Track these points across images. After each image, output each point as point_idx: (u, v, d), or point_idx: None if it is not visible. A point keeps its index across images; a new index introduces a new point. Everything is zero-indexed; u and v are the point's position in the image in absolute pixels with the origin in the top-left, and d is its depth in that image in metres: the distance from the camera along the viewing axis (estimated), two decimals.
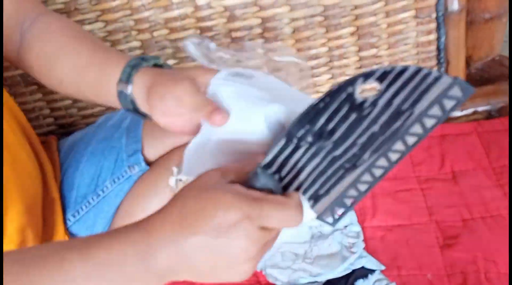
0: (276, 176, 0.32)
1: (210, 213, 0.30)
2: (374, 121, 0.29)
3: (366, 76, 0.28)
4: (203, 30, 0.75)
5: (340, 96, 0.29)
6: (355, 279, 0.58)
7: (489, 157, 0.72)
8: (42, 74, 0.53)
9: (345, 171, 0.31)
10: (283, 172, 0.32)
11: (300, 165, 0.32)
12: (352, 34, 0.76)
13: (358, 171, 0.30)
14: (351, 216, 0.67)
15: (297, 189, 0.32)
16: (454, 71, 0.79)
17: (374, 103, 0.28)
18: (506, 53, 0.87)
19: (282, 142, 0.32)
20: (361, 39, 0.76)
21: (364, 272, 0.59)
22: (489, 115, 0.81)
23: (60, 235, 0.59)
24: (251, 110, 0.38)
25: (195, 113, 0.41)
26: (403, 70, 0.27)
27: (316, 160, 0.31)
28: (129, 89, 0.45)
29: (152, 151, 0.62)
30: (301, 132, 0.31)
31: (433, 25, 0.75)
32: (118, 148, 0.63)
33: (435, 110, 0.28)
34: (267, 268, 0.63)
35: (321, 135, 0.31)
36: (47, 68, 0.51)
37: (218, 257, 0.30)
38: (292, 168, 0.32)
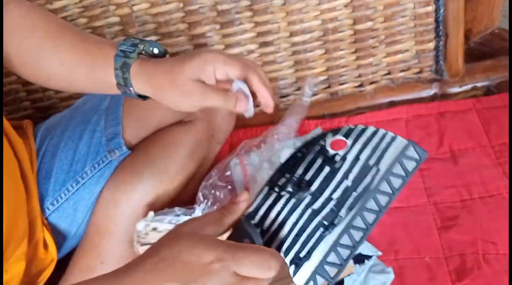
0: (258, 229, 0.33)
1: (184, 259, 0.29)
2: (345, 175, 0.32)
3: (334, 132, 0.33)
4: (186, 3, 0.70)
5: (314, 147, 0.33)
6: None
7: (488, 134, 0.69)
8: (25, 71, 0.50)
9: (324, 229, 0.32)
10: (265, 225, 0.33)
11: (281, 218, 0.33)
12: (346, 6, 0.71)
13: (337, 230, 0.31)
14: None
15: (278, 247, 0.33)
16: (453, 45, 0.75)
17: (344, 157, 0.32)
18: (505, 26, 0.84)
19: (265, 190, 0.34)
20: (356, 11, 0.72)
21: (360, 258, 0.57)
22: (488, 91, 0.78)
23: (38, 225, 0.56)
24: None
25: (204, 103, 0.44)
26: (364, 128, 0.33)
27: (296, 213, 0.33)
28: (132, 90, 0.47)
29: (134, 134, 0.58)
30: (282, 181, 0.33)
31: None
32: (96, 131, 0.59)
33: (398, 169, 0.31)
34: None
35: (299, 186, 0.33)
36: (31, 66, 0.49)
37: None
38: (273, 221, 0.33)
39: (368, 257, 0.57)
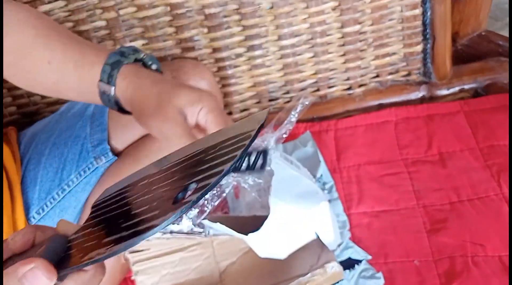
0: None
1: None
2: None
3: None
4: (173, 7, 0.69)
5: None
6: None
7: (476, 137, 0.70)
8: (11, 71, 0.47)
9: None
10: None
11: None
12: (334, 9, 0.71)
13: None
14: (338, 206, 0.64)
15: None
16: (441, 47, 0.75)
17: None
18: (492, 28, 0.84)
19: None
20: (344, 14, 0.72)
21: (350, 263, 0.56)
22: (476, 93, 0.79)
23: None
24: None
25: (183, 140, 0.40)
26: None
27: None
28: (112, 90, 0.43)
29: (120, 140, 0.58)
30: None
31: None
32: (82, 137, 0.58)
33: None
34: None
35: None
36: (18, 64, 0.47)
37: None
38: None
39: (358, 261, 0.57)
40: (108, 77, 0.43)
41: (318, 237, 0.49)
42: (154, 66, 0.46)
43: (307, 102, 0.51)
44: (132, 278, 0.51)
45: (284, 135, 0.53)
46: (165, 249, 0.49)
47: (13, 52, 0.46)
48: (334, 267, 0.44)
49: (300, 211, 0.48)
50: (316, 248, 0.48)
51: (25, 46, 0.46)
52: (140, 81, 0.42)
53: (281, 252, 0.42)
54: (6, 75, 0.48)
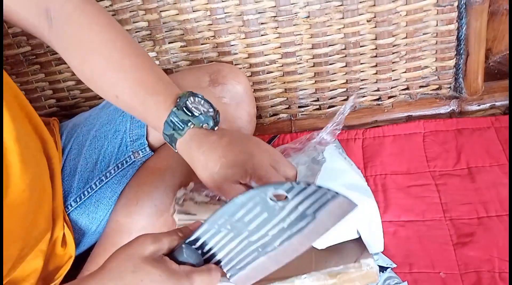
0: (199, 251, 0.38)
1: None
2: (283, 220, 0.35)
3: (276, 187, 0.35)
4: (213, 11, 0.72)
5: (254, 198, 0.35)
6: None
7: (506, 153, 0.70)
8: (73, 64, 0.51)
9: (258, 253, 0.37)
10: (205, 249, 0.38)
11: (220, 245, 0.37)
12: (369, 21, 0.73)
13: (269, 255, 0.37)
14: None
15: (217, 263, 0.38)
16: (474, 63, 0.76)
17: (282, 207, 0.35)
18: None
19: (204, 227, 0.37)
20: (379, 26, 0.73)
21: None
22: (506, 110, 0.79)
23: (59, 223, 0.57)
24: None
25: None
26: (306, 187, 0.34)
27: (235, 242, 0.37)
28: (174, 148, 0.47)
29: (157, 137, 0.60)
30: (221, 221, 0.36)
31: (454, 14, 0.72)
32: (122, 132, 0.60)
33: (332, 221, 0.35)
34: None
35: (237, 225, 0.36)
36: (89, 84, 0.50)
37: None
38: (213, 246, 0.37)
39: (383, 269, 0.57)
40: (170, 141, 0.46)
41: (360, 236, 0.48)
42: (205, 126, 0.46)
43: (358, 100, 0.53)
44: None
45: (338, 128, 0.54)
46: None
47: (85, 73, 0.50)
48: (370, 265, 0.44)
49: None
50: (356, 249, 0.48)
51: (94, 74, 0.49)
52: (194, 152, 0.45)
53: (319, 242, 0.41)
54: (68, 62, 0.51)
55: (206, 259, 0.38)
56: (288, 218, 0.35)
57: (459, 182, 0.67)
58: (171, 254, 0.37)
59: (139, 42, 0.75)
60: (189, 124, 0.45)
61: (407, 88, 0.80)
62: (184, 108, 0.45)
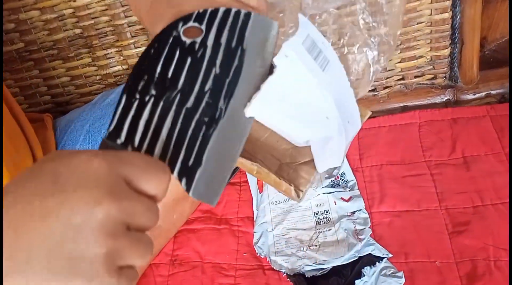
0: (129, 148, 0.27)
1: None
2: (211, 62, 0.29)
3: (185, 19, 0.29)
4: None
5: (167, 40, 0.29)
6: (362, 267, 0.56)
7: (501, 141, 0.69)
8: None
9: (206, 127, 0.29)
10: (135, 141, 0.27)
11: (152, 126, 0.27)
12: (362, 11, 0.72)
13: (222, 124, 0.29)
14: (359, 202, 0.65)
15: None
16: (469, 52, 0.75)
17: (203, 43, 0.29)
18: None
19: (123, 100, 0.28)
20: (371, 16, 0.72)
21: (371, 260, 0.57)
22: (502, 99, 0.78)
23: None
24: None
25: None
26: (214, 11, 0.30)
27: (170, 117, 0.28)
28: None
29: None
30: (141, 85, 0.28)
31: (448, 3, 0.72)
32: None
33: (261, 46, 0.30)
34: (271, 255, 0.61)
35: (164, 85, 0.28)
36: None
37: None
38: (144, 133, 0.27)
39: (379, 258, 0.58)
40: None
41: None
42: None
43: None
44: None
45: None
46: None
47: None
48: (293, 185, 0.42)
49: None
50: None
51: None
52: None
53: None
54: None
55: None
56: (216, 58, 0.29)
57: (454, 171, 0.67)
58: None
59: (132, 37, 0.75)
60: None
61: (403, 79, 0.80)
62: None
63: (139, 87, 0.28)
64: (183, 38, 0.29)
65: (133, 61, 0.77)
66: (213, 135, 0.29)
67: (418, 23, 0.74)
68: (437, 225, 0.61)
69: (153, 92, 0.28)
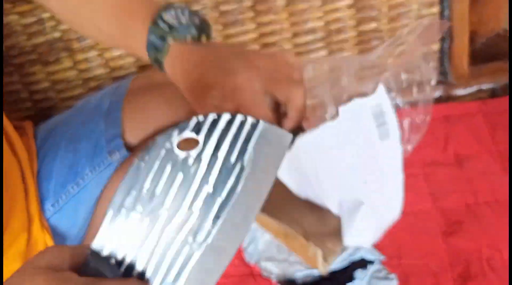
0: (112, 260, 0.27)
1: None
2: (204, 180, 0.27)
3: (180, 128, 0.27)
4: (188, 2, 0.70)
5: (159, 153, 0.27)
6: (353, 270, 0.55)
7: (494, 139, 0.68)
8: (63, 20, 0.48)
9: (190, 247, 0.27)
10: (118, 255, 0.27)
11: (137, 243, 0.27)
12: (350, 7, 0.71)
13: (206, 248, 0.27)
14: None
15: (140, 276, 0.27)
16: (458, 47, 0.74)
17: (198, 158, 0.27)
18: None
19: (109, 215, 0.28)
20: (360, 12, 0.71)
21: (362, 263, 0.56)
22: (493, 94, 0.77)
23: (36, 225, 0.55)
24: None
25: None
26: (216, 119, 0.27)
27: (155, 234, 0.27)
28: (162, 67, 0.40)
29: (133, 135, 0.58)
30: (128, 201, 0.27)
31: None
32: (97, 132, 0.58)
33: (265, 162, 0.27)
34: (261, 261, 0.59)
35: (151, 201, 0.27)
36: (69, 23, 0.48)
37: None
38: (128, 249, 0.27)
39: (371, 262, 0.56)
40: (154, 60, 0.39)
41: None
42: (188, 37, 0.39)
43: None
44: None
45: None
46: None
47: (64, 13, 0.46)
48: (317, 254, 0.41)
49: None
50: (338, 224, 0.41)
51: (72, 12, 0.45)
52: (184, 64, 0.38)
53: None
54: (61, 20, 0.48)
55: (128, 273, 0.28)
56: (210, 174, 0.27)
57: (447, 171, 0.66)
58: (80, 269, 0.28)
59: None
60: (167, 39, 0.38)
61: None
62: (160, 22, 0.38)
63: (126, 204, 0.28)
64: (176, 151, 0.27)
65: (115, 63, 0.75)
66: (195, 257, 0.27)
67: (406, 18, 0.72)
68: (431, 226, 0.60)
69: (140, 209, 0.28)
